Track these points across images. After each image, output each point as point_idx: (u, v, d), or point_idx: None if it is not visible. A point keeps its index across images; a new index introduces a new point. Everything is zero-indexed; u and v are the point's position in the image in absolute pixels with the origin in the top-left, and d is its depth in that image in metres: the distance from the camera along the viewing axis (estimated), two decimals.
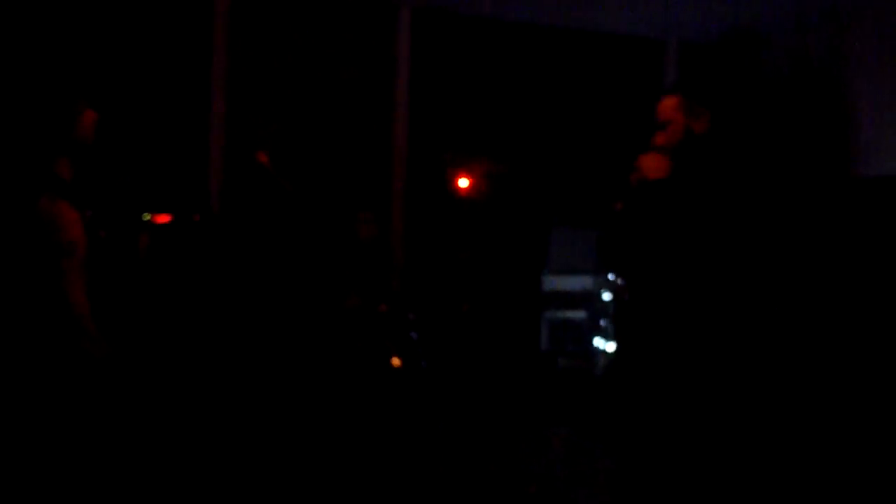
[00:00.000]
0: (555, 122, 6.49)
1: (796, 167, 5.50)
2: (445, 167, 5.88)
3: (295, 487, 4.03)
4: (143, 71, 5.47)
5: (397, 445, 4.52)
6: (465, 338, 5.65)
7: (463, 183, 5.83)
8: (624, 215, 2.86)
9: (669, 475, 2.76)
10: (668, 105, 2.84)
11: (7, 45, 5.03)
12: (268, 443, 4.44)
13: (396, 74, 6.12)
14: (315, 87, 5.95)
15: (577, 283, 6.03)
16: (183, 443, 4.13)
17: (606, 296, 5.65)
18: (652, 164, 2.78)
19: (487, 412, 5.16)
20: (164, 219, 4.84)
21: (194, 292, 4.85)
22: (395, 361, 4.90)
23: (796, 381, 5.11)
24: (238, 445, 4.39)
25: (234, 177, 5.72)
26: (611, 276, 5.59)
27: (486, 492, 4.05)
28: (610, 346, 5.44)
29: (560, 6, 6.02)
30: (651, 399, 2.80)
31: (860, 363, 4.75)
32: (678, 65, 6.80)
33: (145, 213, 4.73)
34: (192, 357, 4.63)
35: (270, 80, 5.85)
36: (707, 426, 2.74)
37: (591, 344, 5.59)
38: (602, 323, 5.61)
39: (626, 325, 3.01)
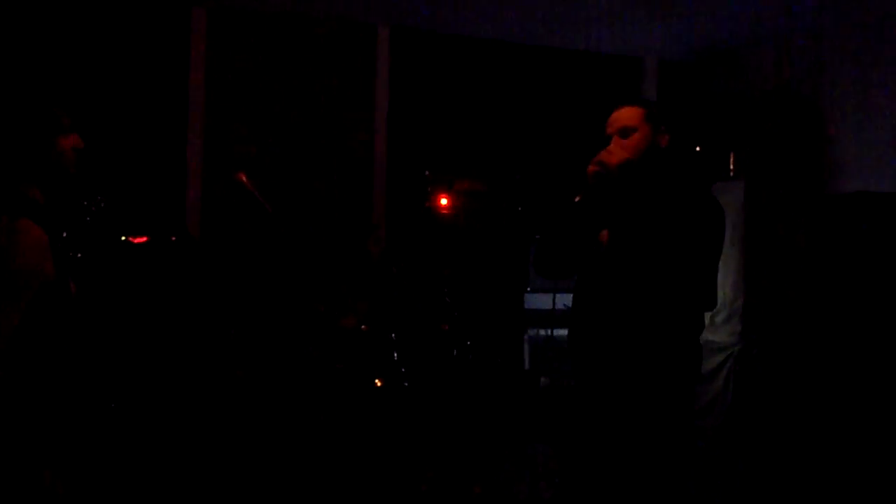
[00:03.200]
0: (534, 140, 6.50)
1: (773, 183, 5.53)
2: (426, 185, 5.86)
3: None
4: (119, 91, 5.42)
5: (380, 466, 4.47)
6: (446, 357, 5.61)
7: (443, 201, 5.81)
8: (581, 208, 2.80)
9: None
10: (633, 114, 2.82)
11: None
12: (251, 464, 4.37)
13: (376, 93, 6.11)
14: (293, 107, 5.92)
15: (559, 300, 6.00)
16: (162, 466, 4.06)
17: None
18: (619, 156, 2.73)
19: (470, 432, 5.11)
20: (140, 240, 4.78)
21: (173, 312, 4.79)
22: (377, 382, 4.85)
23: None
24: (221, 469, 4.31)
25: (212, 197, 5.67)
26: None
27: None
28: None
29: (539, 25, 6.05)
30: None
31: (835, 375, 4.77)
32: (657, 82, 6.85)
33: (122, 235, 4.68)
34: (174, 375, 4.57)
35: (248, 101, 5.82)
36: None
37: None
38: None
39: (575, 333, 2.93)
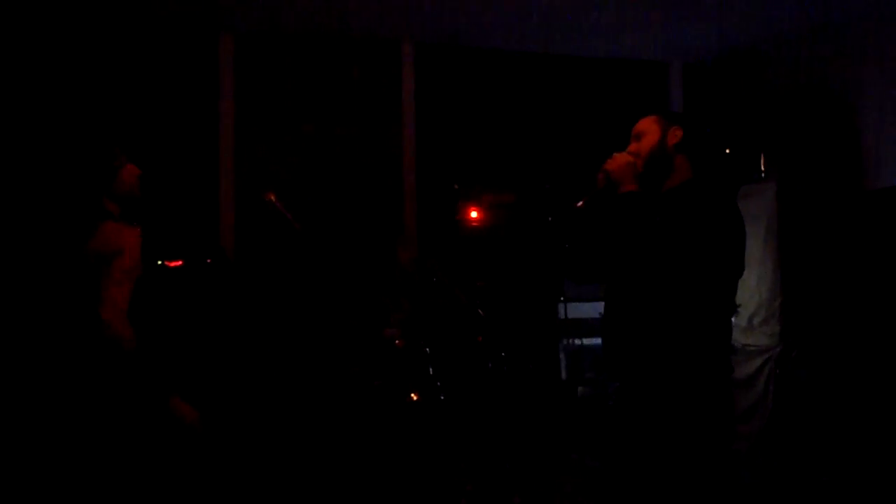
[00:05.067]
0: (562, 149, 6.49)
1: (806, 182, 5.46)
2: (456, 198, 5.88)
3: None
4: (151, 117, 5.51)
5: (419, 480, 4.47)
6: (481, 369, 5.60)
7: (473, 213, 5.82)
8: (586, 214, 2.79)
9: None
10: (647, 120, 2.85)
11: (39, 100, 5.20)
12: (286, 478, 4.40)
13: (402, 109, 6.15)
14: (321, 126, 5.98)
15: (593, 309, 5.97)
16: (203, 480, 4.09)
17: None
18: (620, 161, 2.73)
19: (508, 444, 5.09)
20: (176, 264, 4.84)
21: (211, 335, 4.84)
22: (413, 396, 4.86)
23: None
24: (258, 481, 4.34)
25: (245, 219, 5.73)
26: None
27: None
28: None
29: (562, 35, 6.05)
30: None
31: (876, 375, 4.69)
32: (682, 86, 6.81)
33: (157, 259, 4.74)
34: (211, 395, 4.61)
35: (277, 122, 5.88)
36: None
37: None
38: None
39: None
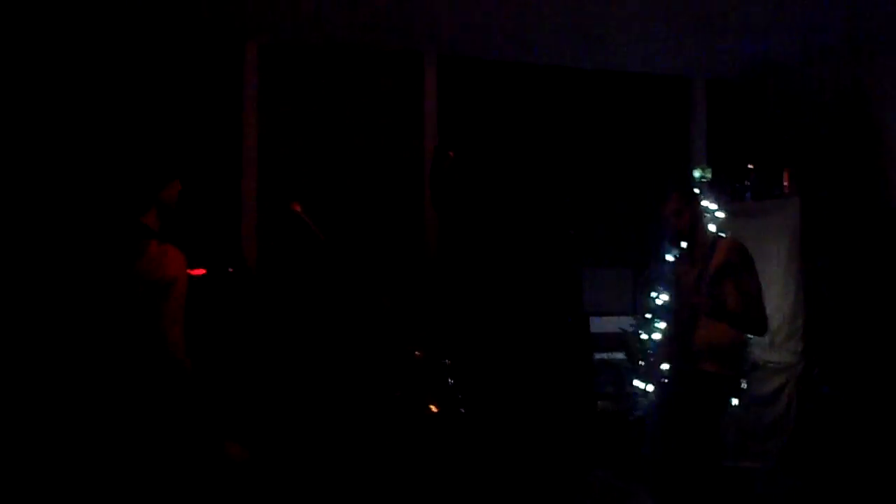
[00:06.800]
0: (585, 163, 6.49)
1: (830, 199, 5.42)
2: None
3: None
4: (175, 124, 5.55)
5: (439, 493, 4.46)
6: (501, 381, 5.58)
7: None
8: None
9: None
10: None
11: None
12: (305, 491, 4.40)
13: (424, 119, 6.17)
14: (344, 136, 6.00)
15: (612, 324, 5.95)
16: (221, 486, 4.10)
17: (645, 336, 5.57)
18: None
19: (527, 457, 5.07)
20: (198, 272, 4.87)
21: (232, 343, 4.86)
22: (433, 408, 4.85)
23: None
24: (278, 488, 4.35)
25: (267, 228, 5.76)
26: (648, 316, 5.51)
27: None
28: (649, 388, 5.35)
29: (586, 49, 6.06)
30: None
31: None
32: (706, 102, 6.79)
33: None
34: (234, 404, 4.63)
35: (300, 131, 5.92)
36: None
37: (630, 385, 5.49)
38: (641, 363, 5.52)
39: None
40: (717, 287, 3.87)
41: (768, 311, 5.32)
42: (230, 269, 5.02)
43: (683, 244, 4.09)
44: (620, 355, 5.83)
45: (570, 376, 5.68)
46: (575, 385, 5.71)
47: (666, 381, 4.12)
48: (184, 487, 2.95)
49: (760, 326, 3.93)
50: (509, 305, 5.74)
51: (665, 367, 4.15)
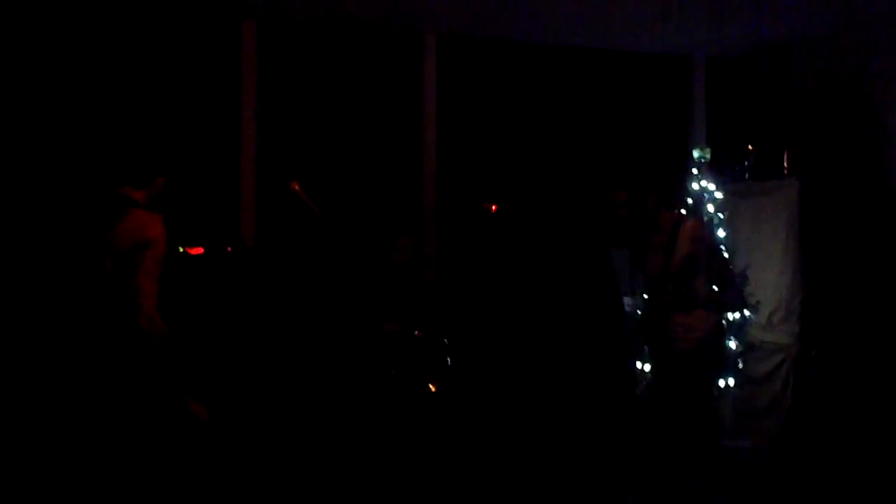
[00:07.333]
0: (585, 142, 6.47)
1: (829, 180, 5.42)
2: (476, 195, 5.87)
3: None
4: (173, 105, 5.53)
5: (435, 472, 4.49)
6: (496, 360, 5.61)
7: (493, 207, 5.81)
8: None
9: None
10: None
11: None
12: (301, 469, 4.43)
13: (424, 99, 6.14)
14: (343, 115, 5.98)
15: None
16: (215, 468, 4.13)
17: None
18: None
19: (522, 435, 5.10)
20: (197, 251, 4.88)
21: (230, 322, 4.87)
22: (432, 387, 4.88)
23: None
24: (272, 473, 4.38)
25: (266, 207, 5.75)
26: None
27: None
28: (647, 367, 5.37)
29: (587, 27, 6.02)
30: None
31: None
32: (705, 80, 6.76)
33: (178, 246, 4.77)
34: (231, 382, 4.65)
35: (299, 110, 5.89)
36: None
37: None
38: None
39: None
40: (685, 284, 3.90)
41: (767, 291, 5.40)
42: (229, 249, 5.03)
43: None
44: None
45: (608, 359, 5.67)
46: (613, 368, 5.70)
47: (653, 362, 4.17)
48: (138, 433, 3.21)
49: (738, 305, 3.99)
50: (557, 293, 5.76)
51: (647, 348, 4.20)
